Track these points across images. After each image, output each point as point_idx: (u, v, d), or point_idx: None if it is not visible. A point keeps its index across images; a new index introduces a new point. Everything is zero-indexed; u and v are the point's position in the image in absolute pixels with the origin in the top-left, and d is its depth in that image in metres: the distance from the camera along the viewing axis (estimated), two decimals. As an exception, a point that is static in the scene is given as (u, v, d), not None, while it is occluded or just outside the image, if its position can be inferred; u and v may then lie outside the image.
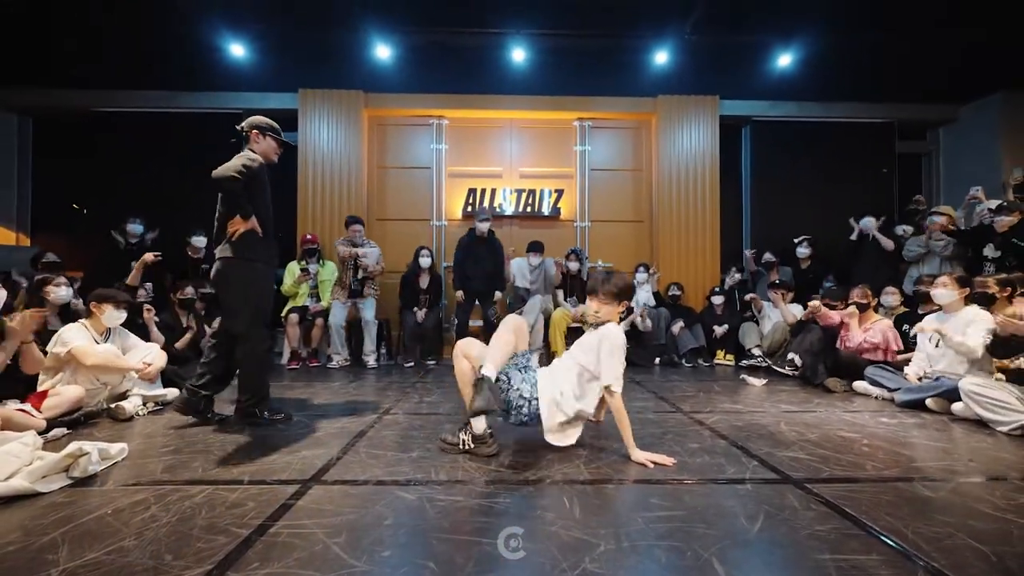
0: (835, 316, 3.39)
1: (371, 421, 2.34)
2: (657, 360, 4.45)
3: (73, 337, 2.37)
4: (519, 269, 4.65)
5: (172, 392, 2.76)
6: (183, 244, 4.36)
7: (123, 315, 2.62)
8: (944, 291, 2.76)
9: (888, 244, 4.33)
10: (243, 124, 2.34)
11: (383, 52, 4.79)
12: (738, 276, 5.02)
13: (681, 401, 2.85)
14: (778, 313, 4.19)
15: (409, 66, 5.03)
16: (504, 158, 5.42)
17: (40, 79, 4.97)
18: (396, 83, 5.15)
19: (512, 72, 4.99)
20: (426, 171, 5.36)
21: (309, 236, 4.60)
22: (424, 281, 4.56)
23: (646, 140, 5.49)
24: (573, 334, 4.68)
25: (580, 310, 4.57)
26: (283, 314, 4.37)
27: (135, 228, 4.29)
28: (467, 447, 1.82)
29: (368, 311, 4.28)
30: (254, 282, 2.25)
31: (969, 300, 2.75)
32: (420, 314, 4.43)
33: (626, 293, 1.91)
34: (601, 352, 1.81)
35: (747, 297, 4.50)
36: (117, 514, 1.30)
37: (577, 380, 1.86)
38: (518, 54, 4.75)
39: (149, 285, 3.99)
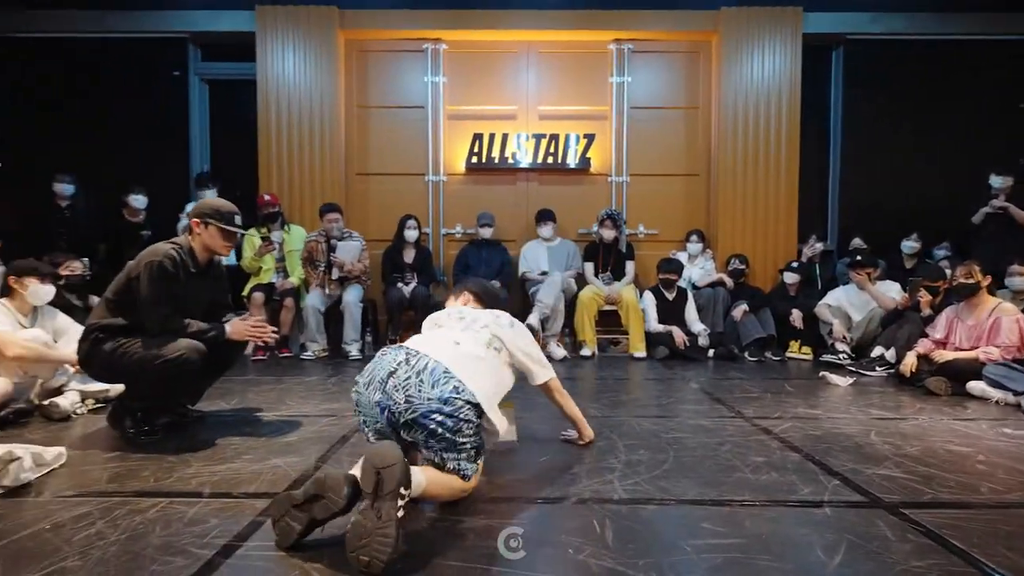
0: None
1: (355, 423, 2.40)
2: (712, 352, 4.46)
3: None
4: (532, 252, 4.78)
5: (117, 387, 2.85)
6: (119, 205, 4.42)
7: (51, 290, 2.73)
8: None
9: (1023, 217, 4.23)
10: (187, 212, 2.35)
11: (363, -45, 4.69)
12: (819, 246, 4.95)
13: (743, 404, 2.87)
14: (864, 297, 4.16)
15: (397, -26, 4.92)
16: (519, 94, 5.34)
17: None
18: (380, -4, 5.06)
19: (530, -21, 4.85)
20: (419, 111, 5.32)
21: (267, 196, 4.60)
22: (409, 255, 4.65)
23: (704, 68, 5.37)
24: (605, 318, 4.70)
25: (615, 289, 4.57)
26: (244, 293, 4.46)
27: (64, 188, 4.34)
28: None
29: (351, 293, 4.34)
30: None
31: None
32: (407, 288, 4.51)
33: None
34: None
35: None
36: (57, 530, 1.37)
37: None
38: (538, -45, 4.61)
39: (86, 259, 4.07)
